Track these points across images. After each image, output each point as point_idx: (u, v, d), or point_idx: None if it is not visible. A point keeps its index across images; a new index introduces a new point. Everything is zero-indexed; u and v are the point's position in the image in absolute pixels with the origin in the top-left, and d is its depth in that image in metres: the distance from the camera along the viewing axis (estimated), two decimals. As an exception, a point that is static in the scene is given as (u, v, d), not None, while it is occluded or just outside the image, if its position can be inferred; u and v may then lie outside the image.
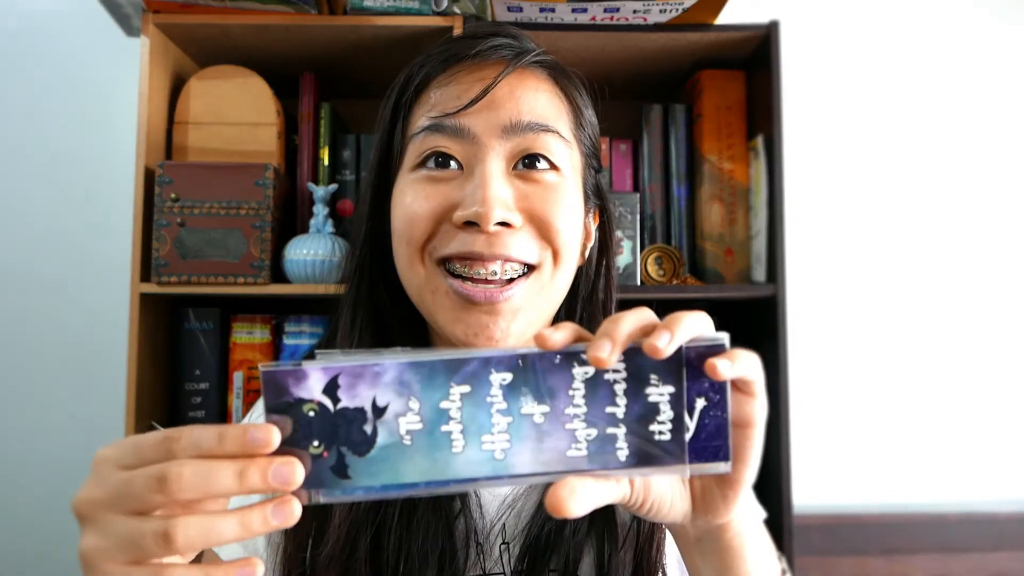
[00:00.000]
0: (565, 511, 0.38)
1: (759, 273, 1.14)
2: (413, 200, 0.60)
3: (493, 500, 0.64)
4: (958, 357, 1.52)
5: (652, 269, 1.17)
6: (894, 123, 1.55)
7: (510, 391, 0.39)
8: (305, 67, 1.21)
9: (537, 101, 0.61)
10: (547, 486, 0.39)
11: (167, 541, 0.36)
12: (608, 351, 0.38)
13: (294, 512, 0.38)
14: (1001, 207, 1.55)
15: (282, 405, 0.38)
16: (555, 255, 0.61)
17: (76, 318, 1.43)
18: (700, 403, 0.39)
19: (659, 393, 0.39)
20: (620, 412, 0.39)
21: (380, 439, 0.38)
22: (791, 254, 1.12)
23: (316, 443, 0.38)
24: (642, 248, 1.18)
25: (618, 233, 1.16)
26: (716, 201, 1.19)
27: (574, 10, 1.08)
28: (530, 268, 0.61)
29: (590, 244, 0.69)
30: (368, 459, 0.38)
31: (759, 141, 1.14)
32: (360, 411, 0.38)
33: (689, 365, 0.39)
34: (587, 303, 0.69)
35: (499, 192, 0.58)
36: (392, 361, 0.38)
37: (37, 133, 1.45)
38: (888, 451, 1.50)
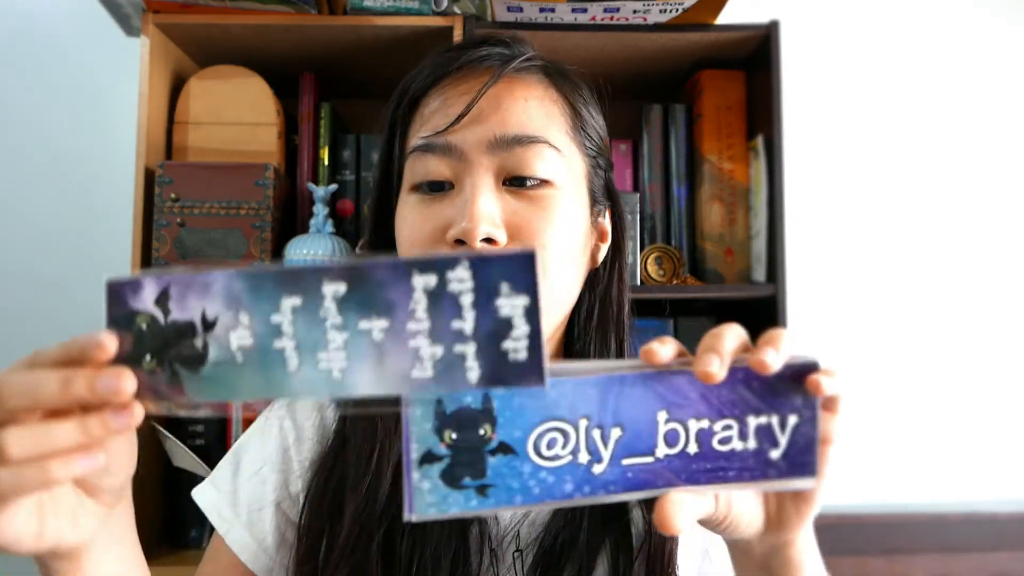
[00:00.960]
0: (673, 528, 0.38)
1: (759, 273, 1.14)
2: (412, 222, 0.61)
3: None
4: (958, 357, 1.52)
5: (652, 269, 1.17)
6: (894, 123, 1.55)
7: (345, 304, 0.35)
8: (305, 67, 1.21)
9: (525, 111, 0.60)
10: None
11: None
12: (718, 365, 0.38)
13: (135, 416, 0.37)
14: (1002, 207, 1.55)
15: (120, 317, 0.37)
16: (543, 271, 0.61)
17: (76, 318, 1.43)
18: (793, 419, 0.39)
19: (511, 305, 0.34)
20: (468, 327, 0.34)
21: (211, 355, 0.36)
22: (791, 254, 1.11)
23: (148, 358, 0.36)
24: (642, 248, 1.18)
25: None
26: (716, 201, 1.19)
27: (574, 10, 1.08)
28: None
29: (604, 245, 0.67)
30: (200, 376, 0.36)
31: (759, 141, 1.14)
32: (190, 324, 0.36)
33: (784, 382, 0.39)
34: (601, 305, 0.68)
35: (485, 208, 0.57)
36: (221, 272, 0.36)
37: (37, 133, 1.45)
38: (888, 451, 1.50)
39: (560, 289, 0.61)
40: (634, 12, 1.09)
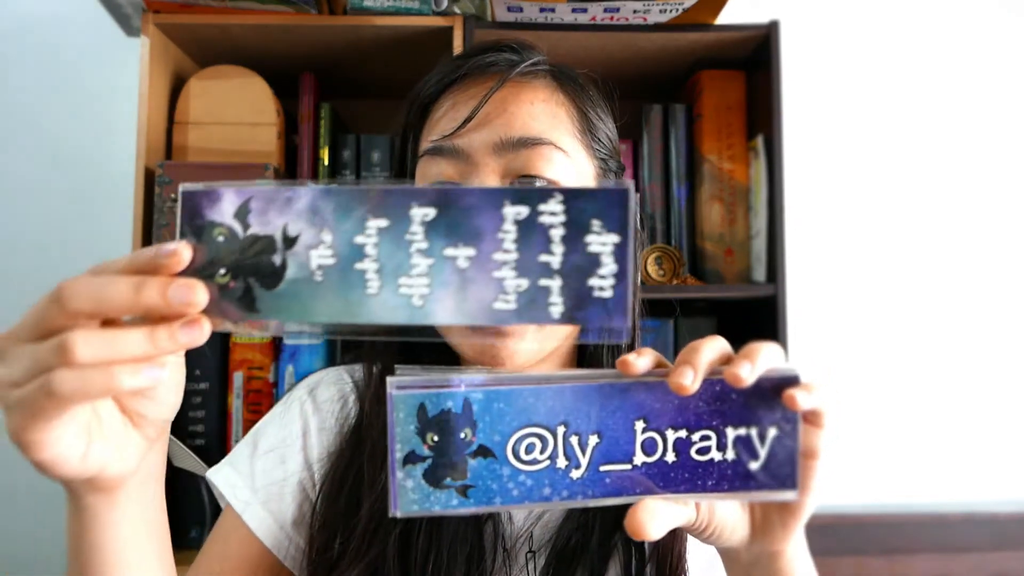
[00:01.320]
0: (645, 534, 0.38)
1: (759, 273, 1.14)
2: None
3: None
4: (958, 357, 1.52)
5: (652, 269, 1.17)
6: (895, 123, 1.55)
7: (432, 229, 0.34)
8: (305, 67, 1.21)
9: (531, 114, 0.61)
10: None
11: (64, 352, 0.35)
12: (691, 378, 0.38)
13: (203, 331, 0.36)
14: (1002, 207, 1.55)
15: (195, 227, 0.36)
16: None
17: (76, 318, 1.43)
18: (772, 432, 0.39)
19: (601, 242, 0.34)
20: (556, 262, 0.34)
21: (289, 272, 0.35)
22: (791, 254, 1.12)
23: (223, 271, 0.36)
24: (642, 248, 1.18)
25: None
26: (716, 201, 1.19)
27: (574, 10, 1.08)
28: None
29: None
30: (276, 293, 0.35)
31: (759, 141, 1.14)
32: (270, 239, 0.35)
33: (763, 394, 0.39)
34: None
35: None
36: (307, 188, 0.35)
37: (37, 133, 1.45)
38: (888, 451, 1.50)
39: None
40: (634, 12, 1.09)
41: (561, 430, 0.38)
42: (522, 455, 0.38)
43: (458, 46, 1.10)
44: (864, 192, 1.54)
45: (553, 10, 1.09)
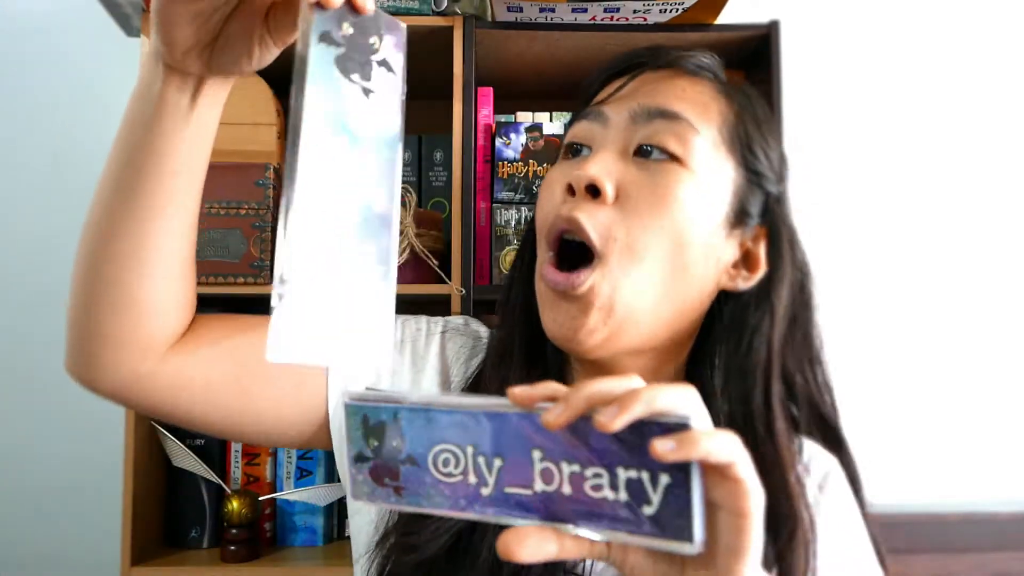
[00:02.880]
0: (509, 555, 0.37)
1: (759, 273, 1.14)
2: (549, 179, 0.62)
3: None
4: (958, 357, 1.52)
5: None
6: (895, 123, 1.55)
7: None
8: (305, 67, 1.21)
9: (679, 95, 0.60)
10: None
11: None
12: (554, 415, 0.37)
13: None
14: (1003, 207, 1.55)
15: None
16: (629, 248, 0.56)
17: (76, 318, 1.43)
18: (664, 479, 0.37)
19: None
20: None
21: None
22: (791, 254, 1.12)
23: None
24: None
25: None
26: (716, 201, 1.19)
27: (574, 10, 1.08)
28: (594, 255, 0.57)
29: (755, 276, 0.62)
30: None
31: (759, 141, 1.14)
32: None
33: (653, 439, 0.37)
34: (733, 348, 0.61)
35: (605, 161, 0.57)
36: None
37: (37, 133, 1.45)
38: (888, 451, 1.49)
39: (657, 278, 0.57)
40: (634, 12, 1.09)
41: (470, 449, 0.40)
42: (440, 467, 0.41)
43: (458, 46, 1.10)
44: (864, 192, 1.53)
45: (553, 10, 1.09)
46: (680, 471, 0.37)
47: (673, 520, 0.37)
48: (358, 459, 0.42)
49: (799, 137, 1.45)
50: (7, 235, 1.44)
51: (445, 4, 1.10)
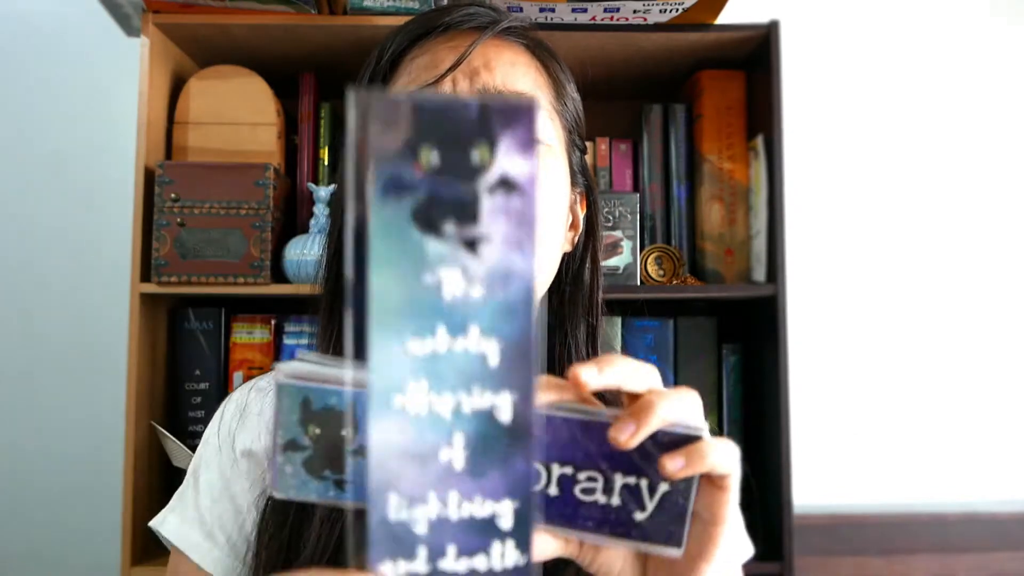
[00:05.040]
0: None
1: (759, 273, 1.14)
2: None
3: None
4: (958, 357, 1.52)
5: (652, 269, 1.17)
6: (894, 123, 1.55)
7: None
8: (305, 67, 1.21)
9: (515, 73, 0.60)
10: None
11: None
12: (627, 435, 0.35)
13: None
14: (1002, 207, 1.55)
15: None
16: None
17: (76, 318, 1.43)
18: (663, 487, 0.37)
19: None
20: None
21: None
22: (791, 254, 1.12)
23: None
24: (642, 248, 1.18)
25: (617, 233, 1.16)
26: (716, 201, 1.19)
27: (574, 10, 1.08)
28: None
29: (579, 231, 0.66)
30: None
31: (759, 141, 1.14)
32: None
33: (661, 448, 0.37)
34: (571, 294, 0.66)
35: None
36: None
37: (38, 133, 1.45)
38: (888, 451, 1.50)
39: (549, 256, 0.60)
40: (634, 12, 1.09)
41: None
42: None
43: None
44: (864, 192, 1.53)
45: (553, 10, 1.09)
46: (683, 481, 0.37)
47: (665, 526, 0.37)
48: (289, 447, 0.37)
49: (799, 137, 1.45)
50: (7, 234, 1.44)
51: (445, 4, 1.10)
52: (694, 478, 0.37)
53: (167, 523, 0.65)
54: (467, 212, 0.28)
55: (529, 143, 0.27)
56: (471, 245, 0.28)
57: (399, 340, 0.27)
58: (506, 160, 0.28)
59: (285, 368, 0.37)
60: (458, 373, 0.28)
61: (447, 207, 0.28)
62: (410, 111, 0.27)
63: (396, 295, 0.27)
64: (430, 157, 0.27)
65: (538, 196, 0.28)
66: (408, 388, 0.28)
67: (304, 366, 0.37)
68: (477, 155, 0.28)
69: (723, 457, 0.37)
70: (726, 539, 0.39)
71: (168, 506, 0.67)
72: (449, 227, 0.28)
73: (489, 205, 0.28)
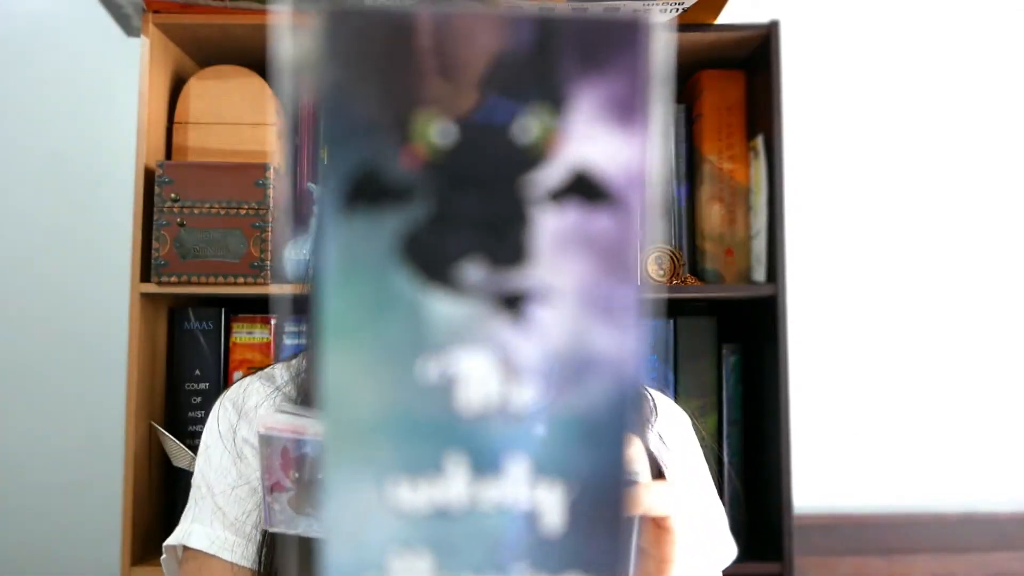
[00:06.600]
0: None
1: (759, 273, 1.14)
2: None
3: None
4: (958, 357, 1.52)
5: (652, 269, 1.17)
6: (895, 123, 1.55)
7: None
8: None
9: None
10: None
11: None
12: None
13: None
14: (1002, 207, 1.55)
15: None
16: None
17: (76, 318, 1.43)
18: None
19: None
20: None
21: None
22: (791, 254, 1.11)
23: None
24: (642, 248, 1.18)
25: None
26: (716, 201, 1.19)
27: (574, 10, 1.08)
28: None
29: None
30: None
31: (759, 141, 1.14)
32: None
33: None
34: None
35: None
36: None
37: (37, 133, 1.45)
38: (888, 451, 1.49)
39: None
40: (634, 12, 1.09)
41: None
42: None
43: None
44: (864, 192, 1.53)
45: (553, 10, 1.09)
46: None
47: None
48: (275, 488, 0.41)
49: (799, 137, 1.45)
50: (7, 234, 1.44)
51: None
52: (635, 518, 0.39)
53: (193, 534, 0.65)
54: (507, 241, 0.15)
55: (636, 104, 0.15)
56: (513, 305, 0.16)
57: (374, 482, 0.15)
58: (586, 139, 0.15)
59: (267, 421, 0.40)
60: (486, 543, 0.16)
61: (468, 231, 0.15)
62: (397, 33, 0.14)
63: (368, 399, 0.15)
64: (436, 131, 0.15)
65: (645, 209, 0.14)
66: (392, 567, 0.16)
67: (282, 418, 0.40)
68: (530, 127, 0.16)
69: (659, 500, 0.39)
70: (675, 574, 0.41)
71: (183, 521, 0.67)
72: (472, 270, 0.15)
73: (552, 227, 0.16)
